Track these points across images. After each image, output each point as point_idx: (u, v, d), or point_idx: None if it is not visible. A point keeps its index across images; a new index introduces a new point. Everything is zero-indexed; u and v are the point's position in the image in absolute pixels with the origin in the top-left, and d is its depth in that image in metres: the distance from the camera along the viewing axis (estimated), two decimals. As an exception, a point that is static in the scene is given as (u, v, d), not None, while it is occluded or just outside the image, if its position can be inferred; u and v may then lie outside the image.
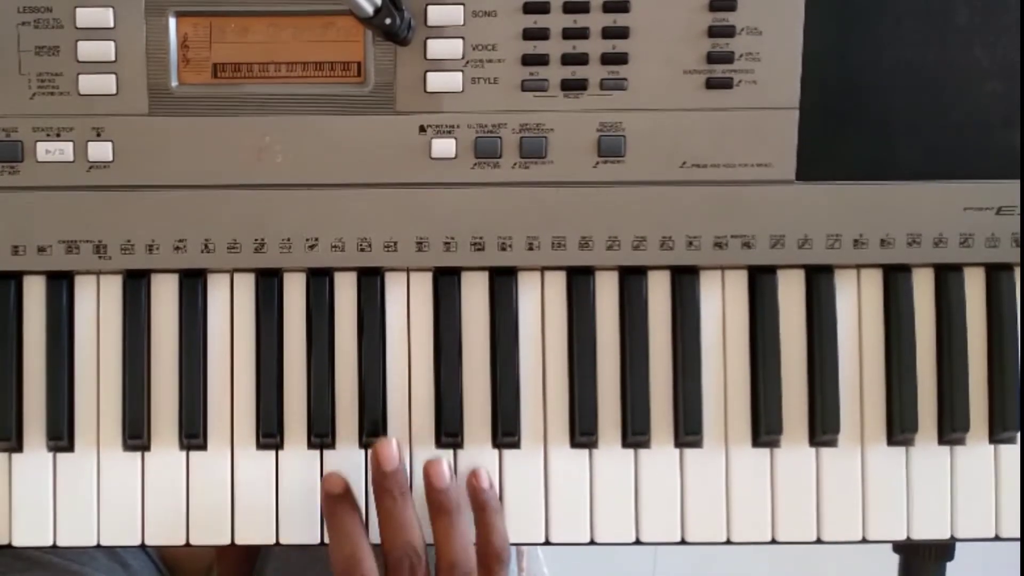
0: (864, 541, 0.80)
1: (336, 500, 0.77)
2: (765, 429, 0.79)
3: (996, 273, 0.80)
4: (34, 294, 0.79)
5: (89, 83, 0.76)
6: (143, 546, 0.80)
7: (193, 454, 0.79)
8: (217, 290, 0.80)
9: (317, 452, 0.80)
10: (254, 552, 0.97)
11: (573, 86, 0.77)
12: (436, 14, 0.76)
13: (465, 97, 0.77)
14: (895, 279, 0.80)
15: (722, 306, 0.80)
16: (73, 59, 0.76)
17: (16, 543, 0.79)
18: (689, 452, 0.80)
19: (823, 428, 0.79)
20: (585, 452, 0.80)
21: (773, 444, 0.80)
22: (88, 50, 0.76)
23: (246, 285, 0.80)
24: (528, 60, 0.77)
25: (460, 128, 0.77)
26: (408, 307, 0.80)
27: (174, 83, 0.77)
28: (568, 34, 0.76)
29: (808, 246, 0.79)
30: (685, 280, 0.80)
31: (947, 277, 0.80)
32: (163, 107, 0.77)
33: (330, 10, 0.76)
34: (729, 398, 0.80)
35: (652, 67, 0.77)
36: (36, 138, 0.77)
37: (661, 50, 0.77)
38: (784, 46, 0.77)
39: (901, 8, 0.77)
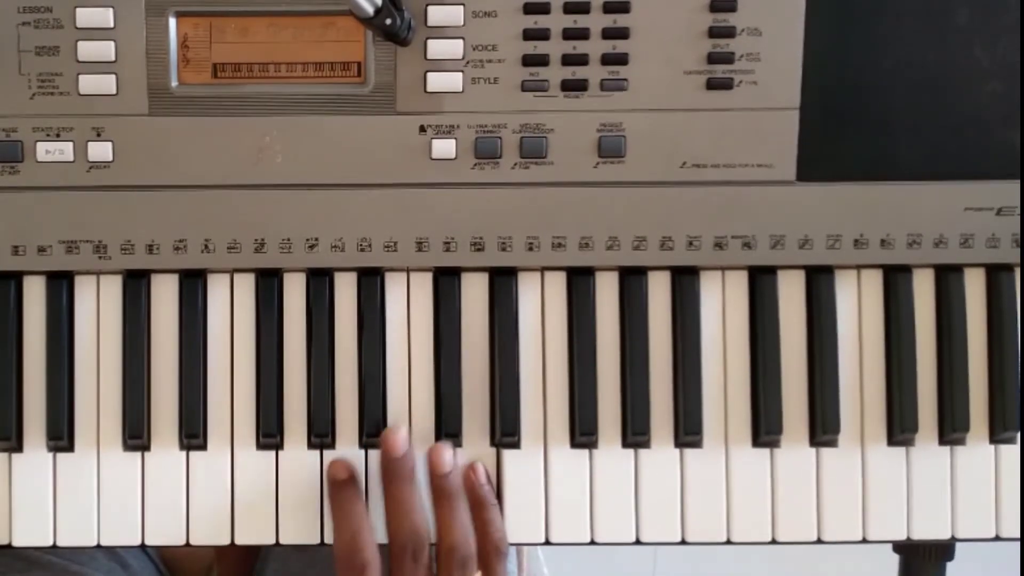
0: (864, 541, 0.80)
1: (341, 486, 0.78)
2: (765, 429, 0.79)
3: (996, 273, 0.80)
4: (34, 294, 0.79)
5: (89, 83, 0.76)
6: (143, 546, 0.80)
7: (193, 454, 0.79)
8: (217, 290, 0.80)
9: (317, 452, 0.80)
10: (254, 552, 0.97)
11: (573, 86, 0.77)
12: (436, 14, 0.76)
13: (465, 97, 0.77)
14: (895, 279, 0.80)
15: (722, 306, 0.80)
16: (73, 59, 0.76)
17: (16, 543, 0.79)
18: (689, 452, 0.80)
19: (823, 428, 0.79)
20: (585, 452, 0.80)
21: (773, 444, 0.80)
22: (88, 50, 0.76)
23: (246, 285, 0.80)
24: (528, 60, 0.77)
25: (460, 128, 0.77)
26: (408, 307, 0.80)
27: (174, 83, 0.77)
28: (568, 34, 0.76)
29: (808, 246, 0.79)
30: (685, 280, 0.80)
31: (947, 277, 0.80)
32: (163, 107, 0.77)
33: (330, 10, 0.76)
34: (729, 398, 0.80)
35: (652, 67, 0.77)
36: (36, 138, 0.77)
37: (661, 50, 0.77)
38: (784, 47, 0.77)
39: (901, 8, 0.77)
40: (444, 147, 0.77)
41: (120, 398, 0.79)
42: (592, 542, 0.80)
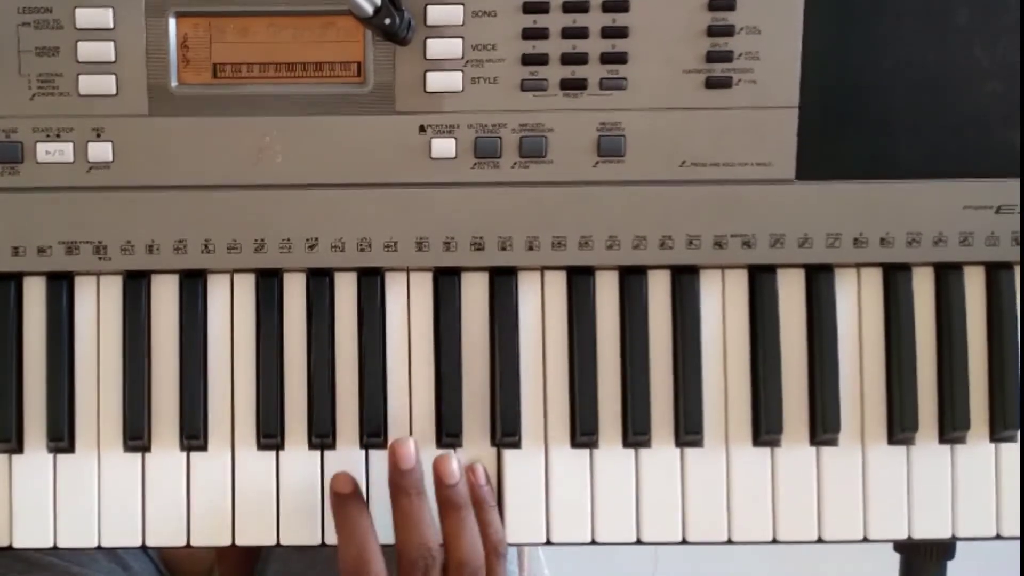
0: (865, 540, 0.80)
1: (345, 499, 0.77)
2: (765, 428, 0.79)
3: (996, 272, 0.80)
4: (34, 295, 0.79)
5: (89, 83, 0.76)
6: (144, 547, 0.80)
7: (194, 455, 0.79)
8: (217, 290, 0.80)
9: (318, 452, 0.80)
10: (255, 553, 0.97)
11: (573, 86, 0.77)
12: (436, 14, 0.76)
13: (465, 97, 0.77)
14: (895, 278, 0.80)
15: (722, 305, 0.80)
16: (73, 59, 0.76)
17: (17, 545, 0.79)
18: (690, 452, 0.80)
19: (823, 427, 0.79)
20: (586, 452, 0.80)
21: (774, 443, 0.80)
22: (88, 50, 0.76)
23: (246, 285, 0.80)
24: (528, 60, 0.77)
25: (460, 128, 0.77)
26: (408, 307, 0.80)
27: (174, 83, 0.77)
28: (568, 34, 0.76)
29: (808, 245, 0.79)
30: (685, 279, 0.80)
31: (947, 276, 0.80)
32: (163, 107, 0.77)
33: (330, 10, 0.76)
34: (729, 397, 0.80)
35: (652, 67, 0.77)
36: (36, 139, 0.77)
37: (661, 50, 0.77)
38: (783, 45, 0.77)
39: (901, 8, 0.77)
40: (444, 147, 0.77)
41: (120, 399, 0.79)
42: (593, 542, 0.80)
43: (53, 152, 0.77)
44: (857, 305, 0.80)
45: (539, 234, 0.78)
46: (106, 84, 0.76)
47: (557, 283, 0.80)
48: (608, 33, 0.76)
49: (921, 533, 0.80)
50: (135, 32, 0.76)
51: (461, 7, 0.76)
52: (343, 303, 0.80)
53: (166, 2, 0.76)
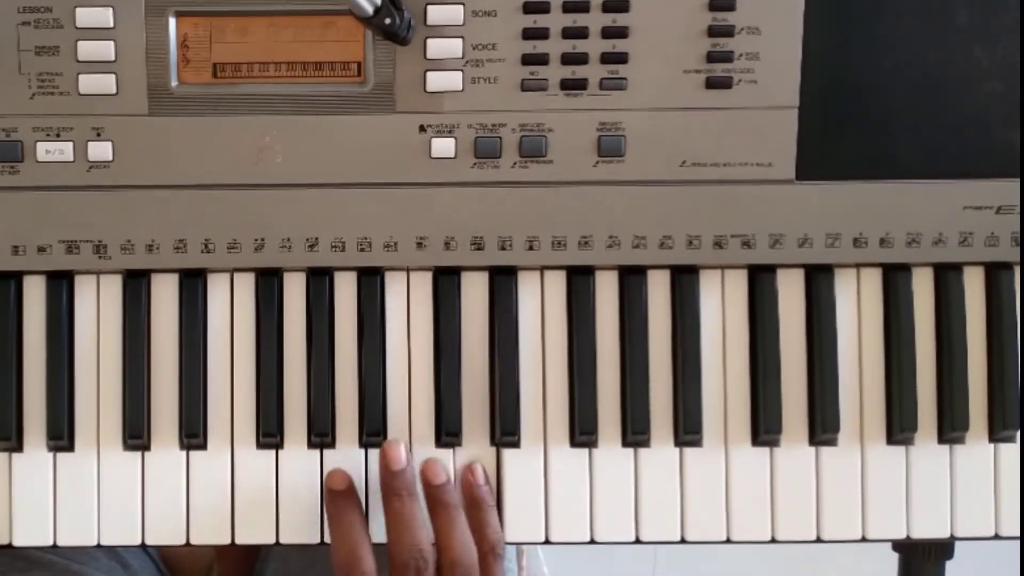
0: (864, 540, 0.80)
1: (339, 496, 0.77)
2: (765, 428, 0.79)
3: (996, 272, 0.80)
4: (34, 294, 0.79)
5: (89, 83, 0.76)
6: (143, 546, 0.80)
7: (193, 454, 0.79)
8: (217, 290, 0.80)
9: (317, 452, 0.80)
10: (254, 552, 0.97)
11: (573, 86, 0.77)
12: (436, 14, 0.76)
13: (465, 97, 0.77)
14: (895, 278, 0.80)
15: (722, 305, 0.80)
16: (73, 59, 0.76)
17: (16, 543, 0.79)
18: (689, 451, 0.80)
19: (823, 427, 0.79)
20: (585, 451, 0.80)
21: (773, 443, 0.80)
22: (88, 50, 0.76)
23: (246, 285, 0.80)
24: (528, 60, 0.77)
25: (460, 128, 0.77)
26: (408, 307, 0.80)
27: (174, 83, 0.77)
28: (568, 34, 0.76)
29: (808, 245, 0.79)
30: (685, 279, 0.80)
31: (947, 276, 0.80)
32: (163, 107, 0.77)
33: (330, 10, 0.76)
34: (729, 397, 0.80)
35: (652, 67, 0.77)
36: (36, 138, 0.77)
37: (661, 50, 0.77)
38: (784, 45, 0.77)
39: (901, 8, 0.77)
40: (444, 146, 0.77)
41: (120, 398, 0.79)
42: (592, 541, 0.80)
43: (53, 151, 0.77)
44: (857, 305, 0.80)
45: (539, 234, 0.78)
46: (106, 83, 0.76)
47: (557, 283, 0.80)
48: (608, 33, 0.76)
49: (920, 533, 0.80)
50: (135, 32, 0.76)
51: (461, 7, 0.76)
52: (343, 303, 0.80)
53: (166, 2, 0.76)
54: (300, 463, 0.80)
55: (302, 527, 0.79)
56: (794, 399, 0.80)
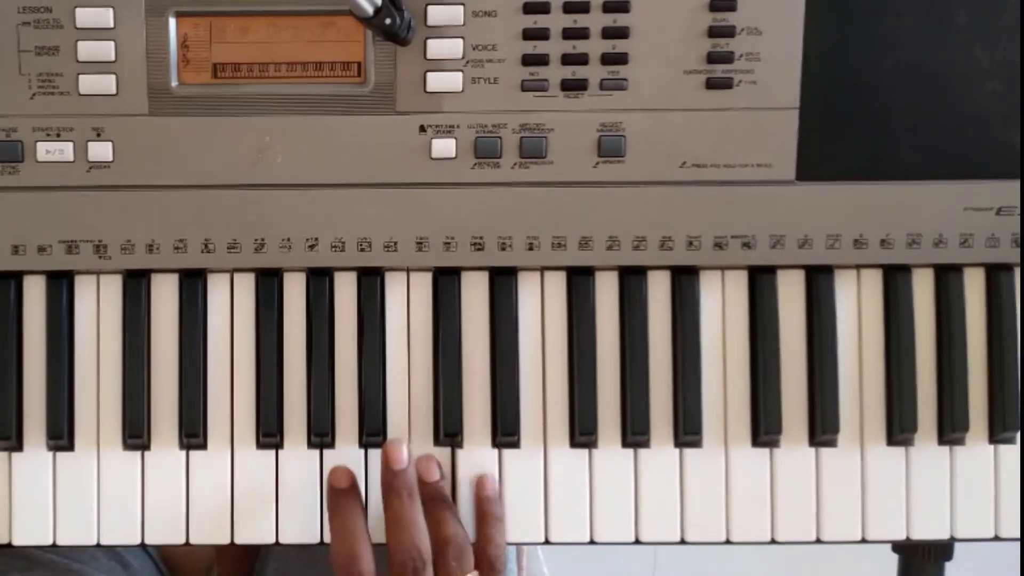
0: (863, 541, 0.80)
1: (340, 494, 0.77)
2: (765, 429, 0.79)
3: (996, 273, 0.80)
4: (34, 294, 0.79)
5: (89, 83, 0.76)
6: (143, 545, 0.80)
7: (193, 453, 0.80)
8: (217, 290, 0.80)
9: (317, 452, 0.80)
10: (254, 552, 0.97)
11: (573, 86, 0.77)
12: (436, 14, 0.76)
13: (465, 97, 0.77)
14: (895, 279, 0.80)
15: (722, 306, 0.80)
16: (73, 59, 0.76)
17: (16, 542, 0.79)
18: (689, 452, 0.80)
19: (823, 428, 0.79)
20: (585, 452, 0.80)
21: (773, 444, 0.80)
22: (88, 50, 0.76)
23: (246, 285, 0.80)
24: (528, 60, 0.77)
25: (460, 128, 0.77)
26: (408, 307, 0.80)
27: (174, 83, 0.77)
28: (568, 34, 0.76)
29: (808, 246, 0.79)
30: (685, 280, 0.80)
31: (947, 277, 0.80)
32: (163, 107, 0.77)
33: (330, 10, 0.76)
34: (729, 398, 0.80)
35: (652, 67, 0.77)
36: (36, 138, 0.77)
37: (661, 50, 0.77)
38: (784, 46, 0.77)
39: (901, 8, 0.77)
40: (444, 147, 0.77)
41: (120, 397, 0.79)
42: (592, 542, 0.80)
43: (53, 151, 0.77)
44: (857, 306, 0.80)
45: (539, 234, 0.78)
46: (106, 84, 0.76)
47: (557, 283, 0.80)
48: (609, 34, 0.76)
49: (920, 534, 0.80)
50: (135, 32, 0.76)
51: (462, 7, 0.76)
52: (343, 303, 0.80)
53: (166, 2, 0.76)
54: (300, 463, 0.80)
55: (302, 527, 0.80)
56: (794, 400, 0.80)
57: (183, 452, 0.79)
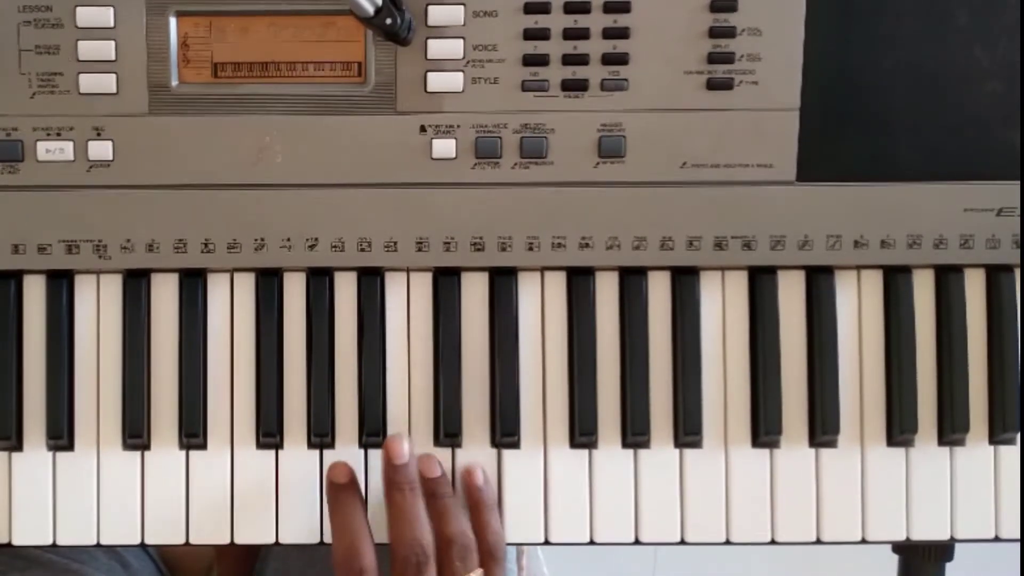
0: (864, 542, 0.80)
1: (340, 489, 0.77)
2: (765, 430, 0.79)
3: (996, 274, 0.80)
4: (34, 294, 0.79)
5: (89, 82, 0.76)
6: (143, 545, 0.80)
7: (193, 453, 0.79)
8: (217, 290, 0.80)
9: (317, 452, 0.80)
10: (254, 551, 0.97)
11: (574, 86, 0.77)
12: (437, 14, 0.76)
13: (465, 97, 0.77)
14: (895, 280, 0.80)
15: (722, 307, 0.80)
16: (73, 58, 0.76)
17: (16, 542, 0.79)
18: (689, 452, 0.80)
19: (823, 429, 0.79)
20: (585, 452, 0.80)
21: (773, 445, 0.80)
22: (88, 49, 0.76)
23: (246, 285, 0.80)
24: (529, 60, 0.77)
25: (460, 128, 0.77)
26: (408, 307, 0.80)
27: (174, 82, 0.77)
28: (569, 34, 0.76)
29: (808, 247, 0.79)
30: (685, 280, 0.80)
31: (947, 278, 0.80)
32: (163, 107, 0.77)
33: (330, 10, 0.76)
34: (729, 398, 0.80)
35: (653, 67, 0.77)
36: (36, 137, 0.77)
37: (662, 50, 0.77)
38: (785, 47, 0.77)
39: (901, 8, 0.77)
40: (444, 147, 0.77)
41: (120, 397, 0.79)
42: (592, 542, 0.80)
43: (53, 151, 0.77)
44: (857, 307, 0.80)
45: (539, 234, 0.78)
46: (106, 83, 0.76)
47: (557, 283, 0.80)
48: (609, 34, 0.76)
49: (920, 535, 0.80)
50: (136, 31, 0.76)
51: (462, 7, 0.76)
52: (343, 303, 0.80)
53: (167, 1, 0.76)
54: (300, 463, 0.80)
55: (302, 527, 0.80)
56: (794, 401, 0.80)
57: (183, 452, 0.79)
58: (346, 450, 0.80)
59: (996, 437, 0.80)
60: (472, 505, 0.78)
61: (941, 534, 0.80)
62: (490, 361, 0.80)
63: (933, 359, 0.80)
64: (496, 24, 0.76)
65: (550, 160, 0.78)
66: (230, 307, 0.80)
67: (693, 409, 0.79)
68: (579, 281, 0.80)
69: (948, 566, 0.83)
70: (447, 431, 0.79)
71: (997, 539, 0.81)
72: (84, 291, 0.80)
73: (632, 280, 0.80)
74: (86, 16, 0.75)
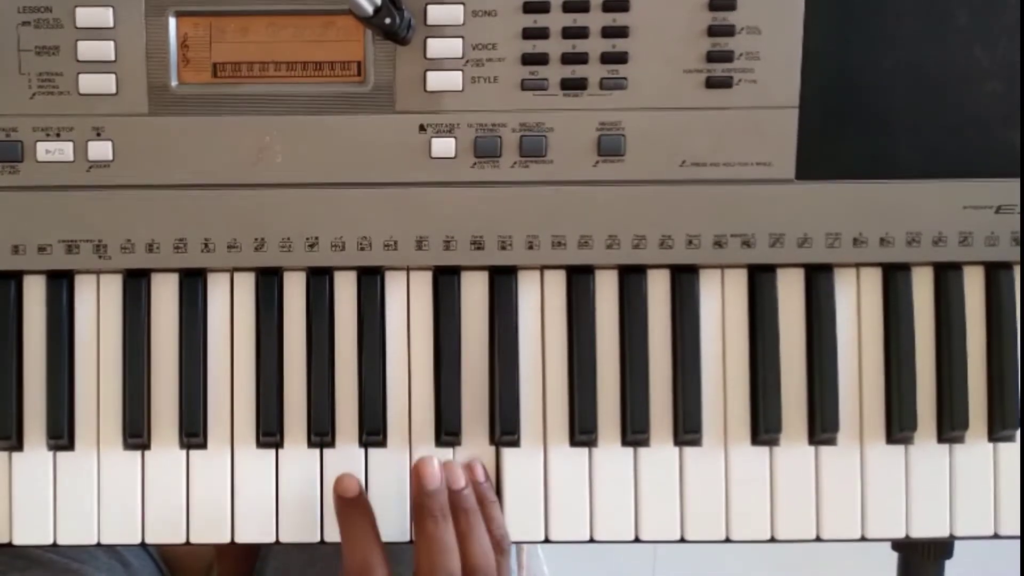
0: (863, 539, 0.80)
1: (350, 504, 0.77)
2: (764, 427, 0.79)
3: (995, 272, 0.80)
4: (34, 294, 0.79)
5: (89, 83, 0.76)
6: (143, 545, 0.80)
7: (193, 453, 0.80)
8: (217, 289, 0.80)
9: (317, 451, 0.80)
10: (254, 551, 0.97)
11: (573, 85, 0.77)
12: (436, 13, 0.76)
13: (465, 96, 0.77)
14: (895, 278, 0.80)
15: (722, 305, 0.80)
16: (73, 59, 0.76)
17: (16, 542, 0.79)
18: (688, 450, 0.80)
19: (822, 426, 0.79)
20: (585, 450, 0.80)
21: (772, 442, 0.80)
22: (88, 50, 0.76)
23: (246, 284, 0.80)
24: (528, 59, 0.77)
25: (460, 127, 0.77)
26: (408, 306, 0.80)
27: (174, 83, 0.77)
28: (568, 33, 0.76)
29: (808, 245, 0.79)
30: (685, 279, 0.80)
31: (946, 276, 0.80)
32: (163, 107, 0.77)
33: (330, 10, 0.76)
34: (728, 396, 0.80)
35: (652, 66, 0.77)
36: (36, 138, 0.77)
37: (661, 49, 0.77)
38: (784, 45, 0.77)
39: (901, 8, 0.77)
40: (444, 146, 0.77)
41: (120, 397, 0.79)
42: (592, 540, 0.80)
43: (53, 151, 0.77)
44: (856, 305, 0.80)
45: (539, 233, 0.78)
46: (106, 83, 0.76)
47: (557, 282, 0.80)
48: (608, 33, 0.76)
49: (919, 532, 0.80)
50: (135, 31, 0.76)
51: (461, 7, 0.76)
52: (343, 302, 0.80)
53: (166, 1, 0.76)
54: (300, 462, 0.80)
55: (302, 526, 0.80)
56: (794, 398, 0.80)
57: (183, 451, 0.79)
58: (346, 449, 0.80)
59: (995, 434, 0.80)
60: (476, 500, 0.78)
61: (940, 531, 0.80)
62: (490, 359, 0.80)
63: (932, 356, 0.80)
64: (495, 23, 0.76)
65: (549, 159, 0.78)
66: (230, 307, 0.80)
67: (693, 407, 0.79)
68: (579, 279, 0.80)
69: (948, 563, 0.83)
70: (447, 430, 0.79)
71: (996, 536, 0.81)
72: (84, 291, 0.80)
73: (632, 278, 0.80)
74: (85, 16, 0.75)
